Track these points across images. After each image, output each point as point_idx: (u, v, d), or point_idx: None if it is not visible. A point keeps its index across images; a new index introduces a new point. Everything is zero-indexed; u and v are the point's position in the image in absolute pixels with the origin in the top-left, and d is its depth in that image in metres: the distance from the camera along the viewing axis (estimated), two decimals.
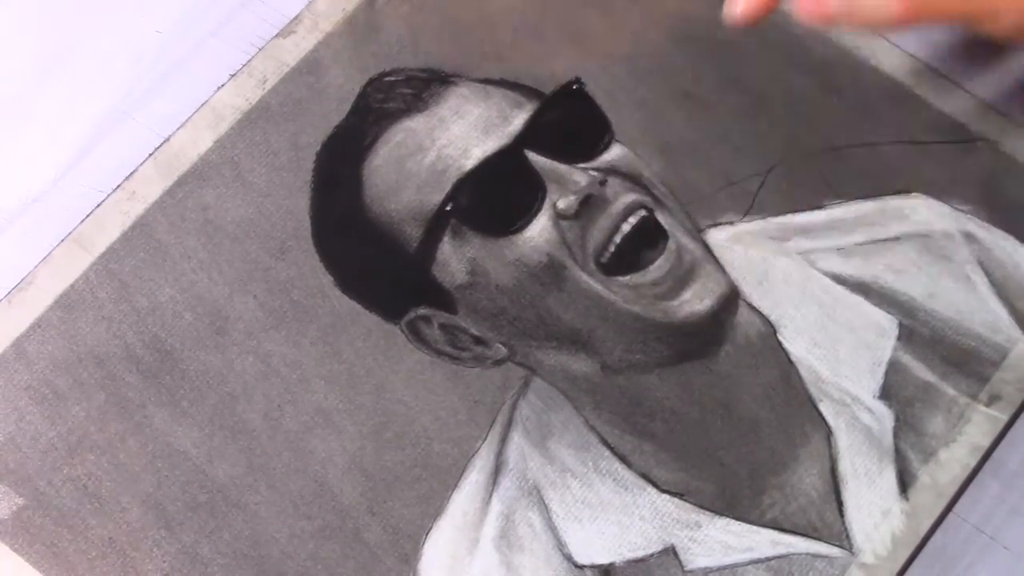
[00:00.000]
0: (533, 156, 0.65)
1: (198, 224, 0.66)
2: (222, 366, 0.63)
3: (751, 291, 0.64)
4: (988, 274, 0.64)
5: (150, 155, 0.67)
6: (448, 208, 0.65)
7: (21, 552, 0.60)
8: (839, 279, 0.64)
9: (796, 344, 0.63)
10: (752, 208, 0.66)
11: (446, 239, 0.64)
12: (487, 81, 0.68)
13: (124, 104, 0.69)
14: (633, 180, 0.65)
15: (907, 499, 0.59)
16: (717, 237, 0.65)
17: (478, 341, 0.63)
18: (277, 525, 0.60)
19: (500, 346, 0.63)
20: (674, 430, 0.61)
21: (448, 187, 0.65)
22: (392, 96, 0.68)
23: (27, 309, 0.64)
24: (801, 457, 0.60)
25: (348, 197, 0.66)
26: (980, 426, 0.60)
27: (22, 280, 0.64)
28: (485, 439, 0.61)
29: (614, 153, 0.66)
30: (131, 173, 0.67)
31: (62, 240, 0.65)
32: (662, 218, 0.65)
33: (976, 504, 0.60)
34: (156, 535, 0.60)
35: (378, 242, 0.65)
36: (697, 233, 0.65)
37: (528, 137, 0.65)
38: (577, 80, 0.68)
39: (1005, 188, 0.66)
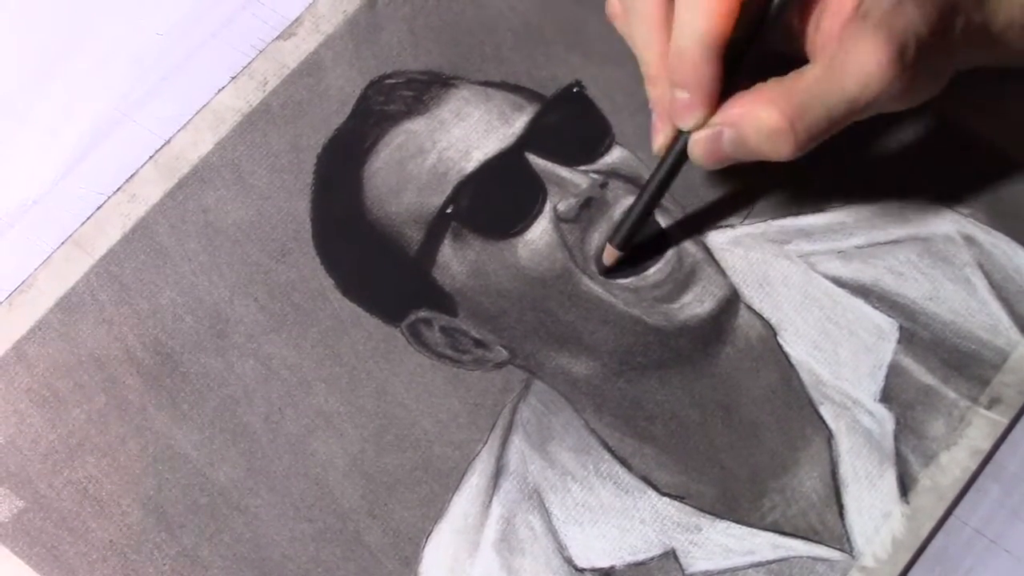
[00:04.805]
0: (534, 159, 0.65)
1: (199, 226, 0.65)
2: (223, 369, 0.63)
3: (751, 294, 0.64)
4: (988, 277, 0.64)
5: (150, 157, 0.67)
6: (449, 211, 0.65)
7: (21, 555, 0.60)
8: (839, 282, 0.64)
9: (796, 347, 0.63)
10: (753, 211, 0.66)
11: (447, 241, 0.64)
12: (488, 83, 0.68)
13: (124, 106, 0.69)
14: (634, 183, 0.65)
15: (908, 502, 0.59)
16: (718, 240, 0.65)
17: (479, 344, 0.63)
18: (278, 528, 0.60)
19: (501, 349, 0.63)
20: (675, 433, 0.61)
21: (449, 189, 0.65)
22: (393, 98, 0.68)
23: (27, 312, 0.64)
24: (802, 460, 0.60)
25: (349, 199, 0.66)
26: (981, 429, 0.60)
27: (22, 283, 0.64)
28: (486, 442, 0.61)
29: (615, 156, 0.66)
30: (131, 175, 0.67)
31: (62, 242, 0.65)
32: (663, 221, 0.65)
33: (977, 507, 0.60)
34: (157, 538, 0.60)
35: (379, 244, 0.65)
36: (698, 236, 0.65)
37: (529, 139, 0.66)
38: (578, 83, 0.68)
39: (1005, 190, 0.66)
